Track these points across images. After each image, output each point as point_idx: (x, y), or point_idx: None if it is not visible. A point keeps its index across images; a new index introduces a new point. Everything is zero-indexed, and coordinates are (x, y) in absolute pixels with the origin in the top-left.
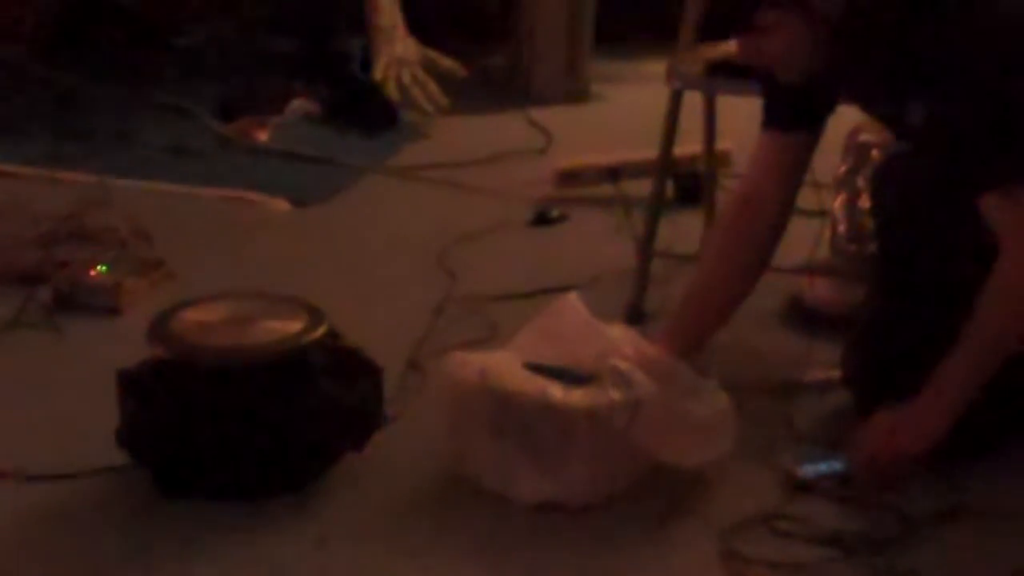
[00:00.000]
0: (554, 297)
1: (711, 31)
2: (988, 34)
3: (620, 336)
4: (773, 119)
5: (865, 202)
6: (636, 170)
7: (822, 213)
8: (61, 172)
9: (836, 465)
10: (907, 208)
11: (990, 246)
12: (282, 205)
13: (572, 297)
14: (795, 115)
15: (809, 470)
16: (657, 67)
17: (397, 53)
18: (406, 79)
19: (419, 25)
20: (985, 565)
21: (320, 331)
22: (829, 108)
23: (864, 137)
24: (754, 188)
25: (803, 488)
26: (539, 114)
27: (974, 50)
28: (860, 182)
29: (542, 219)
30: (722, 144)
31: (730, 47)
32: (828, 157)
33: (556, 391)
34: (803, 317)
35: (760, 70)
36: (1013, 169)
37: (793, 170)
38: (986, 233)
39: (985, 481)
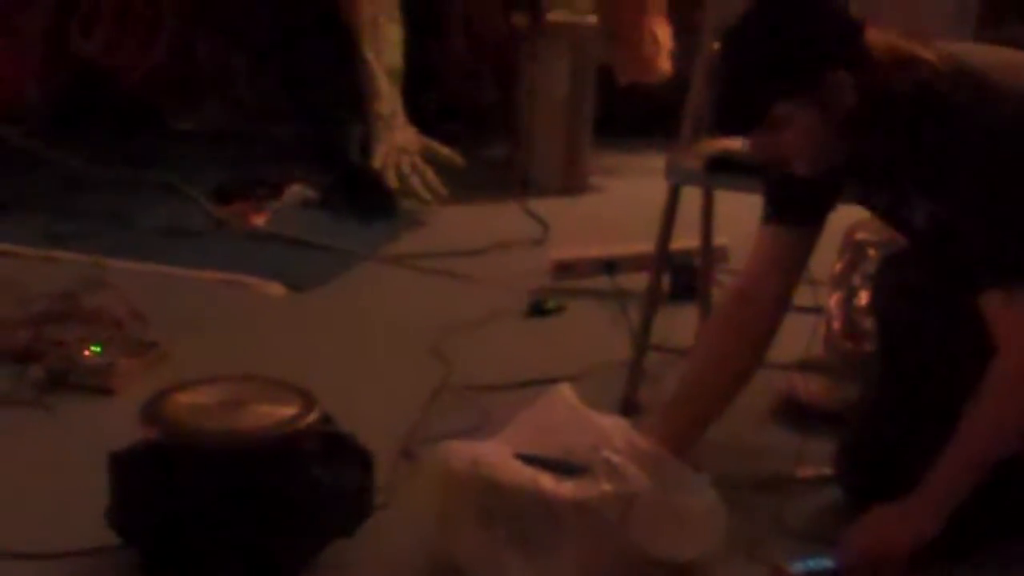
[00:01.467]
0: (548, 387)
1: (724, 127)
2: (994, 135)
3: (612, 428)
4: (774, 215)
5: (861, 300)
6: (633, 263)
7: (817, 310)
8: (57, 252)
9: (825, 562)
10: (906, 307)
11: (988, 346)
12: (277, 290)
13: (565, 388)
14: (796, 211)
15: (799, 567)
16: (656, 161)
17: (396, 141)
18: (405, 167)
19: (418, 114)
20: None
21: (313, 416)
22: (830, 205)
23: (861, 235)
24: (752, 283)
25: None
26: (537, 205)
27: (980, 151)
28: (856, 280)
29: (538, 310)
30: (719, 239)
31: (733, 143)
32: (824, 254)
33: (547, 482)
34: (796, 413)
35: (771, 165)
36: (1013, 269)
37: (791, 266)
38: (985, 333)
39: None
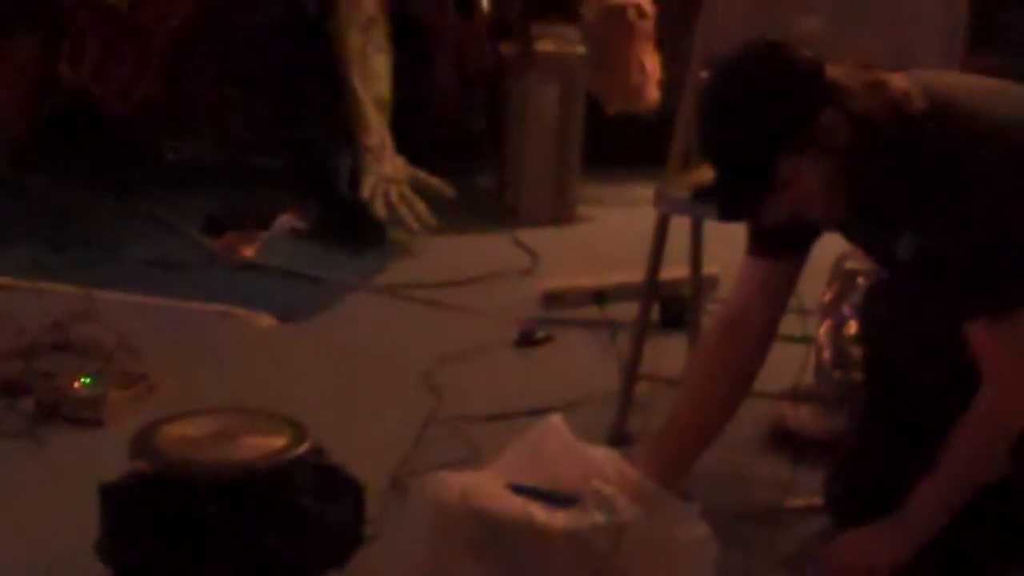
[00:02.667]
0: (538, 418)
1: (734, 210)
2: (974, 165)
3: (603, 459)
4: (759, 246)
5: (850, 329)
6: (622, 293)
7: (807, 339)
8: (46, 283)
9: None
10: (894, 336)
11: (975, 376)
12: (267, 321)
13: (556, 419)
14: (781, 242)
15: None
16: (644, 191)
17: (385, 172)
18: (394, 197)
19: (407, 145)
20: None
21: (303, 448)
22: (814, 236)
23: (850, 264)
24: (738, 313)
25: None
26: (526, 235)
27: (963, 185)
28: (846, 309)
29: (527, 340)
30: (708, 268)
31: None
32: (814, 283)
33: (539, 513)
34: (787, 443)
35: (792, 224)
36: (998, 299)
37: (778, 296)
38: (972, 362)
39: None
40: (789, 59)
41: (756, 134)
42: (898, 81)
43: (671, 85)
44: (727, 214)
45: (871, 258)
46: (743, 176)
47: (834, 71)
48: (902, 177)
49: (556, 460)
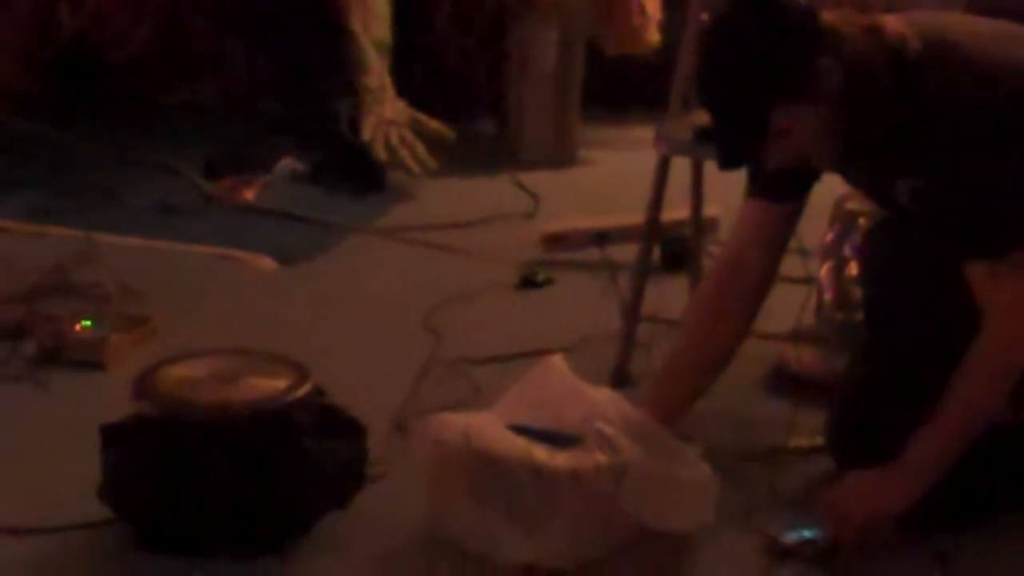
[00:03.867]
0: (539, 360)
1: (732, 158)
2: (976, 110)
3: (605, 400)
4: (758, 189)
5: (852, 270)
6: (623, 235)
7: (808, 280)
8: (47, 227)
9: (819, 531)
10: (895, 275)
11: (975, 316)
12: (268, 264)
13: (557, 359)
14: (781, 185)
15: (792, 536)
16: (645, 132)
17: (386, 114)
18: (394, 140)
19: (407, 87)
20: None
21: (305, 389)
22: (815, 177)
23: (851, 205)
24: (738, 254)
25: (786, 555)
26: (527, 178)
27: (962, 126)
28: (847, 250)
29: (528, 282)
30: (709, 210)
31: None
32: (815, 224)
33: (540, 453)
34: (788, 384)
35: (791, 168)
36: (998, 241)
37: (777, 238)
38: (972, 303)
39: (973, 551)
40: (782, 7)
41: (751, 85)
42: (895, 24)
43: (671, 26)
44: (726, 163)
45: (871, 200)
46: (740, 126)
47: (829, 17)
48: (898, 122)
49: (557, 400)
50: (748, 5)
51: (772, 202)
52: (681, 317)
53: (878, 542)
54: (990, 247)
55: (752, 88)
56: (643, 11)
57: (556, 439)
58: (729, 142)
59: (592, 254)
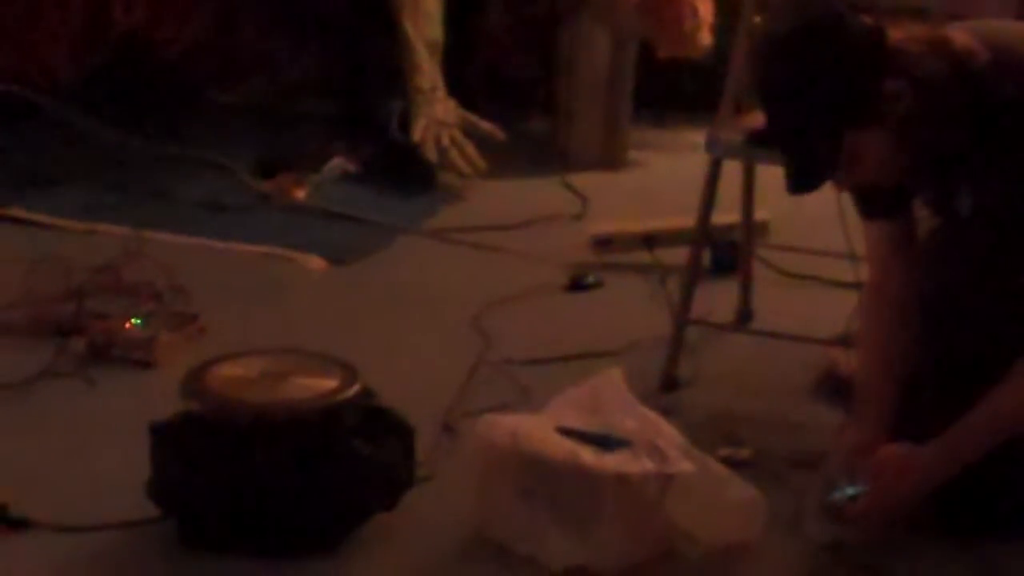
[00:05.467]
0: (588, 362)
1: (804, 185)
2: None
3: (658, 418)
4: (865, 212)
5: None
6: (672, 238)
7: (858, 285)
8: (98, 224)
9: (861, 487)
10: (948, 286)
11: None
12: (318, 263)
13: (615, 372)
14: (886, 202)
15: (838, 496)
16: (696, 136)
17: (436, 115)
18: (444, 141)
19: (459, 88)
20: None
21: (354, 390)
22: (910, 194)
23: None
24: (882, 274)
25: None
26: (576, 179)
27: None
28: None
29: (577, 284)
30: (760, 214)
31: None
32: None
33: (587, 455)
34: (838, 389)
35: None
36: None
37: (906, 247)
38: None
39: (1021, 560)
40: (848, 30)
41: (821, 114)
42: (960, 36)
43: (724, 29)
44: (797, 190)
45: (931, 211)
46: (811, 154)
47: (895, 34)
48: (964, 134)
49: (611, 409)
50: (813, 28)
51: (885, 220)
52: (732, 322)
53: (892, 508)
54: None
55: (822, 118)
56: (695, 14)
57: (604, 442)
58: (800, 169)
59: (641, 257)
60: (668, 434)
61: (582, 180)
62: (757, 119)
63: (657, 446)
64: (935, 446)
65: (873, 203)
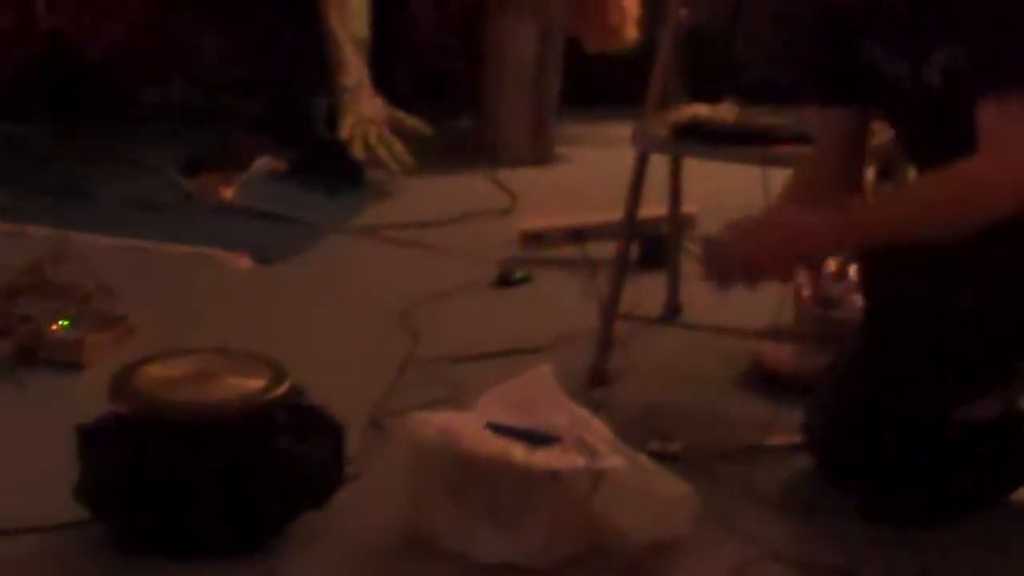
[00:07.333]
0: (517, 359)
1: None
2: None
3: (591, 416)
4: (826, 93)
5: (830, 267)
6: (601, 232)
7: None
8: (23, 226)
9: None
10: (895, 278)
11: (973, 326)
12: (245, 262)
13: (546, 369)
14: (837, 89)
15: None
16: (623, 130)
17: (363, 112)
18: (372, 138)
19: (385, 85)
20: None
21: (282, 388)
22: (866, 89)
23: None
24: (813, 172)
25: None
26: (505, 175)
27: None
28: None
29: (506, 280)
30: (687, 207)
31: (701, 109)
32: None
33: (518, 451)
34: (766, 381)
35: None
36: (1013, 79)
37: (852, 148)
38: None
39: (953, 549)
40: None
41: None
42: None
43: (650, 23)
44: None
45: (907, 147)
46: None
47: None
48: None
49: (541, 405)
50: None
51: (841, 107)
52: (661, 315)
53: (756, 272)
54: (1005, 83)
55: None
56: (621, 8)
57: (535, 438)
58: None
59: (570, 251)
60: (598, 430)
61: (510, 175)
62: (684, 113)
63: (587, 442)
64: (831, 210)
65: (832, 84)
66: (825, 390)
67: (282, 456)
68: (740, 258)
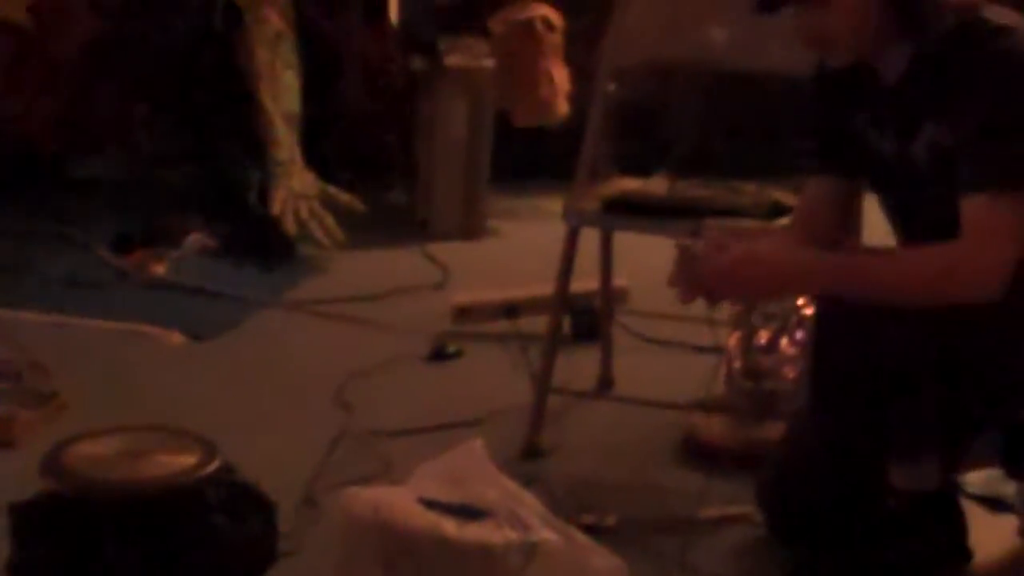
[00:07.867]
0: (449, 433)
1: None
2: (1009, 57)
3: (522, 491)
4: (813, 166)
5: (761, 339)
6: (533, 306)
7: (717, 350)
8: None
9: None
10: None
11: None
12: (178, 338)
13: (478, 444)
14: (833, 160)
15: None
16: (553, 204)
17: (295, 187)
18: (303, 213)
19: (317, 159)
20: None
21: (213, 465)
22: (859, 163)
23: None
24: (803, 224)
25: None
26: (436, 249)
27: (993, 71)
28: (756, 319)
29: (438, 354)
30: (619, 280)
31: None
32: None
33: (449, 526)
34: (698, 453)
35: (810, 44)
36: (1001, 175)
37: (839, 209)
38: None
39: None
40: None
41: None
42: None
43: (580, 98)
44: (761, 9)
45: (891, 210)
46: None
47: None
48: (924, 51)
49: (472, 481)
50: None
51: (835, 175)
52: (594, 389)
53: (720, 296)
54: (992, 179)
55: None
56: (551, 82)
57: (466, 513)
58: None
59: (502, 326)
60: (529, 503)
61: (442, 250)
62: (614, 186)
63: (519, 515)
64: (810, 252)
65: (817, 158)
66: (781, 459)
67: (214, 533)
68: (709, 278)
